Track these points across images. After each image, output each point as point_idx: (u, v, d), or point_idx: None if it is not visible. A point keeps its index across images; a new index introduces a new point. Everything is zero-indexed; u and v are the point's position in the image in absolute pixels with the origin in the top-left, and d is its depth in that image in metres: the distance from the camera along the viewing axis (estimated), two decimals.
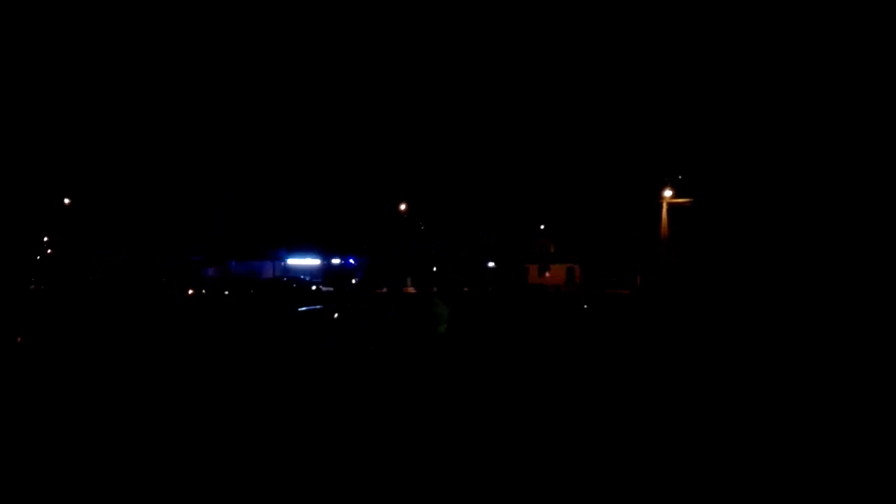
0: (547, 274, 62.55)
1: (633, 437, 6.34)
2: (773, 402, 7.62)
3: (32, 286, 47.22)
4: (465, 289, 45.74)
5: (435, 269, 58.84)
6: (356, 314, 19.74)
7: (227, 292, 40.73)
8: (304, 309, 24.11)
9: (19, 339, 14.95)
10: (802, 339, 13.55)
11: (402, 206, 59.86)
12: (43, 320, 20.07)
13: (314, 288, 48.56)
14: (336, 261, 56.66)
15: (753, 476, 5.29)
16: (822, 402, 7.50)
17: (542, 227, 66.85)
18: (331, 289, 48.98)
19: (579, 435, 6.40)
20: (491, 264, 58.79)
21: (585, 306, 32.45)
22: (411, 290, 48.55)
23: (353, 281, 52.74)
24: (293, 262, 58.75)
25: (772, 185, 35.90)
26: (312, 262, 58.84)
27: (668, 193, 57.57)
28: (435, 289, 35.41)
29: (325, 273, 53.73)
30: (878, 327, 15.35)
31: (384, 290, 51.35)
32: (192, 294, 41.02)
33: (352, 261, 56.58)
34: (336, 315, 20.87)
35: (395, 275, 52.59)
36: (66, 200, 53.83)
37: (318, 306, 25.39)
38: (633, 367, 10.14)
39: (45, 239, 59.19)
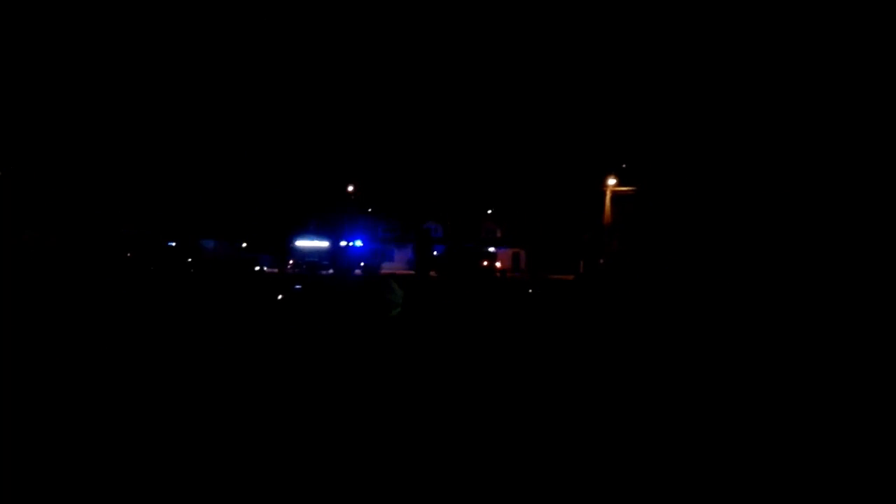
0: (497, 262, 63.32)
1: (580, 419, 6.61)
2: (701, 383, 7.96)
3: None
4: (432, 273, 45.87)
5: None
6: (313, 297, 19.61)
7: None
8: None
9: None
10: (737, 323, 14.17)
11: (350, 188, 59.52)
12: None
13: (256, 269, 47.77)
14: (343, 243, 54.98)
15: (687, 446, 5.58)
16: (750, 384, 7.86)
17: (489, 211, 67.48)
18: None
19: (527, 419, 6.64)
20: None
21: (530, 290, 33.14)
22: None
23: (362, 264, 51.09)
24: (302, 243, 56.32)
25: (715, 174, 37.17)
26: (321, 244, 56.41)
27: (611, 182, 58.94)
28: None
29: (333, 256, 51.97)
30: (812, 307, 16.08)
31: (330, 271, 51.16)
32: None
33: (359, 243, 55.07)
34: (280, 298, 20.72)
35: (344, 258, 52.34)
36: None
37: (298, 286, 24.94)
38: (576, 352, 10.42)
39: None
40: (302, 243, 55.52)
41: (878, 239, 23.61)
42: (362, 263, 49.91)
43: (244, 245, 59.62)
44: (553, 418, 6.39)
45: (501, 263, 58.63)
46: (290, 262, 53.31)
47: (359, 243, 53.54)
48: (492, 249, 57.43)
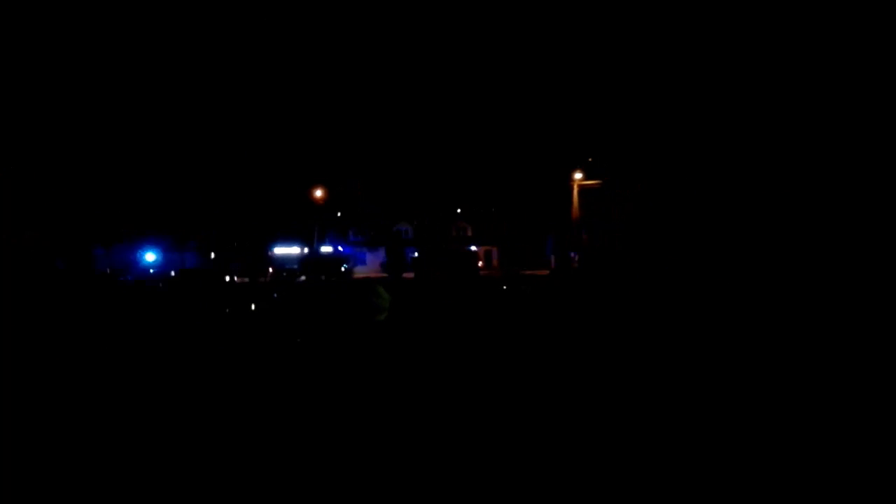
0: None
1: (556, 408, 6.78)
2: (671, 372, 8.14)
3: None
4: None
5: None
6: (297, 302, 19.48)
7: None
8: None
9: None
10: (706, 313, 14.47)
11: (319, 193, 59.16)
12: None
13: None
14: (326, 249, 54.35)
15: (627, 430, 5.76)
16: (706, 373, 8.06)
17: (459, 210, 67.70)
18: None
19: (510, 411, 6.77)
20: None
21: (504, 287, 33.49)
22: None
23: (343, 268, 50.54)
24: (281, 251, 55.40)
25: (680, 166, 37.89)
26: (292, 250, 55.49)
27: (578, 176, 59.63)
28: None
29: (305, 261, 50.99)
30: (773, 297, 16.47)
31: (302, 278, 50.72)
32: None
33: (340, 248, 54.50)
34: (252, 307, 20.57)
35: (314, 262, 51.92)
36: None
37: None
38: (564, 349, 10.54)
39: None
40: (281, 251, 54.90)
41: (851, 225, 24.35)
42: (344, 268, 49.56)
43: (212, 255, 58.90)
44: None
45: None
46: (270, 270, 52.87)
47: (340, 248, 53.25)
48: (474, 248, 57.72)
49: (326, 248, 53.08)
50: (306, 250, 53.55)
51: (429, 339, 10.42)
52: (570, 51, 53.93)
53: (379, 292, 10.17)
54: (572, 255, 57.95)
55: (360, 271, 53.16)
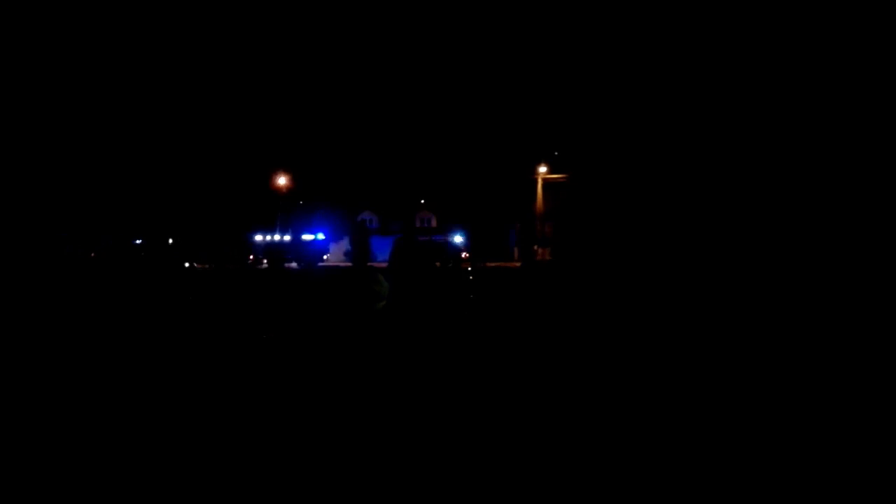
0: None
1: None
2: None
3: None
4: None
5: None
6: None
7: None
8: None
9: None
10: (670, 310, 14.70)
11: (282, 181, 58.36)
12: None
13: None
14: (307, 237, 54.20)
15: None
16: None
17: (423, 201, 67.74)
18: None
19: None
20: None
21: (471, 277, 33.66)
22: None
23: (325, 257, 51.09)
24: (261, 238, 55.02)
25: (645, 164, 38.46)
26: (284, 237, 55.40)
27: (542, 169, 60.21)
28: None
29: (294, 248, 51.21)
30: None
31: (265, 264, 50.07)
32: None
33: (321, 236, 54.45)
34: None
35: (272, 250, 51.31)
36: None
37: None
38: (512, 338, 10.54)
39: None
40: (261, 238, 54.45)
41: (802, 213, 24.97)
42: (326, 256, 49.36)
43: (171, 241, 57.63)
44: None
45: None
46: (251, 257, 52.30)
47: (321, 236, 52.81)
48: (459, 239, 57.88)
49: (307, 236, 52.88)
50: (287, 237, 53.27)
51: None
52: (538, 47, 54.18)
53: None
54: (536, 247, 58.59)
55: (326, 260, 52.77)
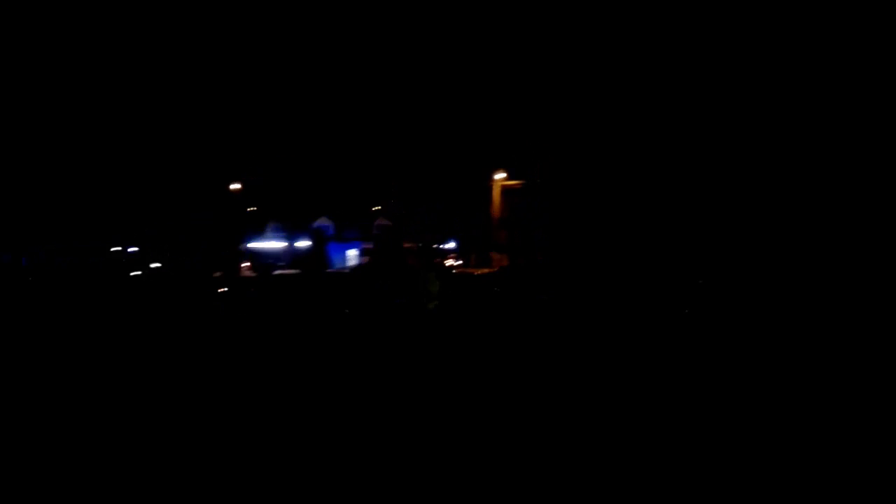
0: None
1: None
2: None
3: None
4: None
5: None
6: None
7: None
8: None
9: None
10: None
11: (235, 186, 57.05)
12: None
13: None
14: (301, 244, 53.62)
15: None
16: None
17: (377, 208, 67.23)
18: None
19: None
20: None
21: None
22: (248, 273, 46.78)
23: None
24: (255, 245, 54.20)
25: (604, 166, 39.10)
26: (277, 244, 55.00)
27: (499, 176, 60.58)
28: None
29: (293, 255, 50.90)
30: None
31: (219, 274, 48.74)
32: None
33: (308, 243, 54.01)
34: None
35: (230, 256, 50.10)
36: None
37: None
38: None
39: None
40: (256, 245, 53.66)
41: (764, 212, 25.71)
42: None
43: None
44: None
45: None
46: (248, 264, 51.09)
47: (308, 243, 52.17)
48: (452, 246, 58.15)
49: (302, 243, 52.53)
50: (284, 244, 52.86)
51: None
52: (495, 52, 54.58)
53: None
54: (492, 253, 58.86)
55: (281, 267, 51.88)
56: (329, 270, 48.05)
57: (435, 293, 10.08)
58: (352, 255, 57.19)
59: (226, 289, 26.84)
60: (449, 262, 53.59)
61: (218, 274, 43.05)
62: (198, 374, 8.01)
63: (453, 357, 8.37)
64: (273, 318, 11.71)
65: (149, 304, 17.64)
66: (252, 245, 54.58)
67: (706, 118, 30.49)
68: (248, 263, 49.83)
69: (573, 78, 40.60)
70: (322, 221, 59.03)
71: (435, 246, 54.56)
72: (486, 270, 47.45)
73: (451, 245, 58.00)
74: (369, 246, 56.14)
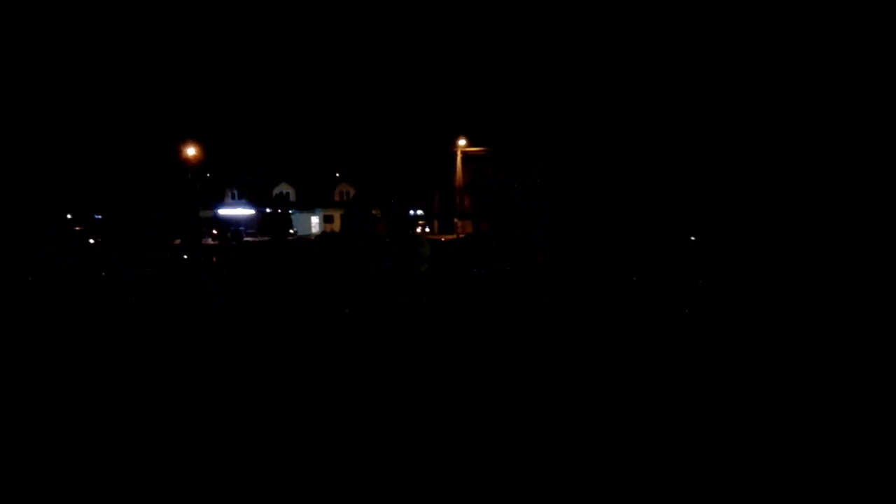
0: None
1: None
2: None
3: None
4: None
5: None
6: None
7: None
8: None
9: None
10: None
11: (192, 152, 55.38)
12: None
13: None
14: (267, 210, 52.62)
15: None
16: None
17: (337, 174, 66.36)
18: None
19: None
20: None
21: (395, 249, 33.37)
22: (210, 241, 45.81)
23: (292, 231, 50.57)
24: (224, 212, 52.85)
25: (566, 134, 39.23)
26: (245, 211, 53.81)
27: (462, 142, 60.31)
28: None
29: (262, 222, 50.04)
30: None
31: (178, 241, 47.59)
32: None
33: (280, 210, 53.03)
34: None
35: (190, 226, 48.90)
36: None
37: None
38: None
39: None
40: (225, 212, 52.37)
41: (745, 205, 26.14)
42: (291, 230, 47.82)
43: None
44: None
45: None
46: (214, 231, 49.80)
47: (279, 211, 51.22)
48: (420, 213, 57.82)
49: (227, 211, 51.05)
50: (251, 212, 51.76)
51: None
52: (459, 20, 53.95)
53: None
54: (456, 220, 58.90)
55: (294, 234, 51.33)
56: (294, 238, 47.42)
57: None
58: (315, 221, 56.46)
59: (186, 256, 26.21)
60: (418, 230, 53.47)
61: (177, 242, 42.01)
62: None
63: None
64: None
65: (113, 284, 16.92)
66: (219, 212, 53.44)
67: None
68: (214, 231, 48.89)
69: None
70: (282, 188, 57.92)
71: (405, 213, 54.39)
72: (450, 237, 47.45)
73: (419, 213, 57.82)
74: (332, 212, 55.56)
